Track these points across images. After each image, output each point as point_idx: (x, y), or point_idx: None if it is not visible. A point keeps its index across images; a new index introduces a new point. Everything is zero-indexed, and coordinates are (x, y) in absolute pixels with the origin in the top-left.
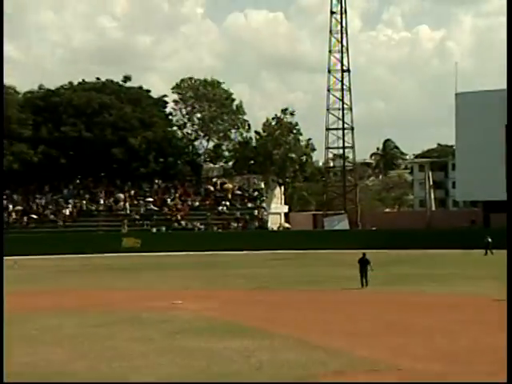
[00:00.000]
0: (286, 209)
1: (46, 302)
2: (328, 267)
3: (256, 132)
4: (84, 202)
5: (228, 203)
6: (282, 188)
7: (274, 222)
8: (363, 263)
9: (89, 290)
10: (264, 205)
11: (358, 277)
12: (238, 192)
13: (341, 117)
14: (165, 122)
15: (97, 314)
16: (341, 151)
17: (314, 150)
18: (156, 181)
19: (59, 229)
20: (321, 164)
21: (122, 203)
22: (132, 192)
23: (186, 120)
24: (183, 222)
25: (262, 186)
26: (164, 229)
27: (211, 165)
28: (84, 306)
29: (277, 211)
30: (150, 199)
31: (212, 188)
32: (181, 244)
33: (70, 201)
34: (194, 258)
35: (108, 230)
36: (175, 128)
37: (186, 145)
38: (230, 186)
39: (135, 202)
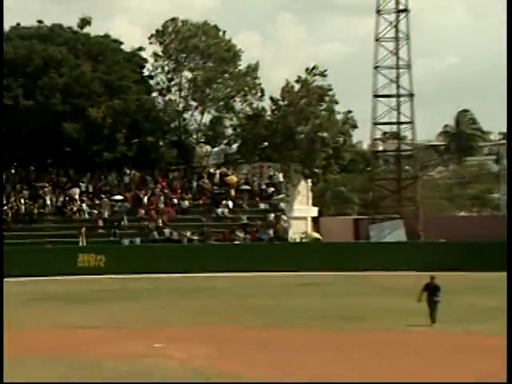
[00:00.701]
0: (314, 212)
1: None
2: (376, 296)
3: (272, 100)
4: (22, 201)
5: (231, 203)
6: (309, 182)
7: (298, 231)
8: (432, 291)
9: (31, 329)
10: (283, 206)
11: (425, 309)
12: (246, 187)
13: (395, 78)
14: (140, 86)
15: (39, 363)
16: (394, 128)
17: (355, 126)
18: (127, 171)
19: None
20: (365, 147)
21: (77, 203)
22: (91, 187)
23: (170, 83)
24: (167, 231)
25: (281, 178)
26: (139, 240)
27: (207, 148)
28: (25, 351)
29: (301, 215)
30: (119, 197)
31: (208, 182)
32: (163, 262)
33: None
34: (181, 282)
35: (57, 242)
36: (155, 95)
37: (170, 118)
38: (235, 178)
39: (97, 202)
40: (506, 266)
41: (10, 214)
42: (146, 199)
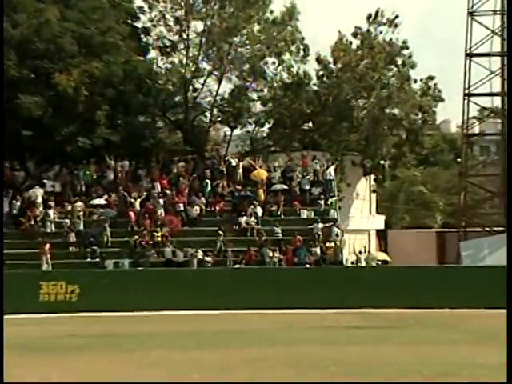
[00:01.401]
0: (380, 222)
1: None
2: (472, 345)
3: (319, 62)
4: None
5: (260, 210)
6: (373, 179)
7: (356, 250)
8: None
9: None
10: (335, 214)
11: None
12: (281, 187)
13: (497, 29)
14: (131, 44)
15: None
16: (497, 102)
17: (439, 99)
18: (111, 163)
19: None
20: (454, 129)
21: (39, 209)
22: (59, 186)
23: (170, 35)
24: (168, 250)
25: (332, 174)
26: (127, 263)
27: (226, 130)
28: None
29: (361, 227)
30: (99, 201)
31: (227, 179)
32: (163, 295)
33: None
34: (191, 324)
35: (11, 266)
36: (152, 55)
37: (174, 89)
38: (264, 173)
39: (68, 208)
40: (507, 268)
41: None
42: (138, 204)
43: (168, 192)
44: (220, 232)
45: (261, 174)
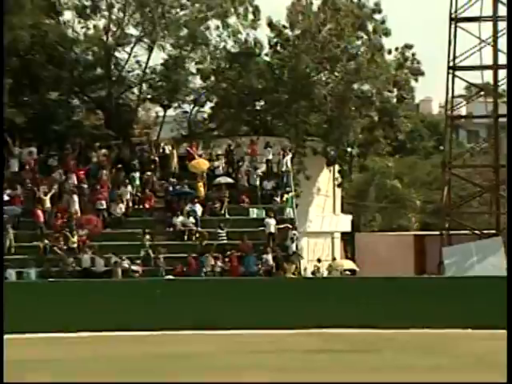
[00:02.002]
0: (346, 223)
1: None
2: (457, 372)
3: (272, 27)
4: None
5: (199, 208)
6: (337, 171)
7: (315, 257)
8: None
9: None
10: (291, 213)
11: None
12: (226, 180)
13: None
14: (40, 3)
15: None
16: (487, 77)
17: (418, 73)
18: (16, 150)
19: None
20: (435, 110)
21: None
22: None
23: None
24: (86, 256)
25: (288, 164)
26: (34, 274)
27: (158, 111)
28: None
29: (323, 229)
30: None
31: (159, 170)
32: (80, 313)
33: None
34: (113, 347)
35: None
36: (68, 17)
37: (94, 60)
38: (205, 163)
39: None
40: (507, 269)
41: None
42: (48, 200)
43: (86, 186)
44: (146, 236)
45: (201, 164)
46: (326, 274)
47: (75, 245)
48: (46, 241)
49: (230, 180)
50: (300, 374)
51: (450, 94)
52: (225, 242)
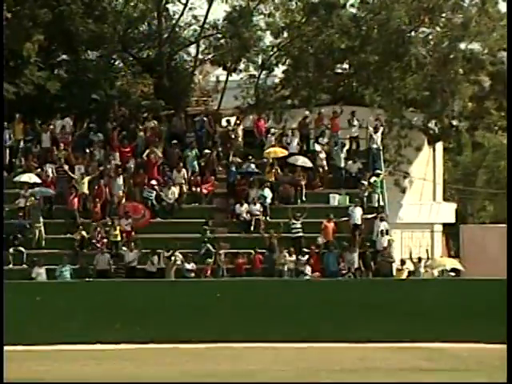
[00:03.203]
0: (449, 213)
1: None
2: None
3: None
4: None
5: (268, 193)
6: (441, 149)
7: (413, 254)
8: None
9: None
10: (381, 201)
11: None
12: (303, 161)
13: None
14: None
15: None
16: None
17: None
18: (51, 122)
19: None
20: None
21: None
22: None
23: None
24: (132, 254)
25: (378, 141)
26: (68, 273)
27: (219, 74)
28: None
29: (421, 220)
30: (29, 177)
31: (218, 147)
32: (124, 320)
33: None
34: (169, 362)
35: None
36: None
37: (139, 11)
38: (283, 151)
39: None
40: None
41: None
42: (86, 183)
43: (132, 166)
44: (205, 226)
45: (278, 152)
46: (424, 275)
47: (118, 238)
48: (83, 232)
49: (308, 162)
50: None
51: None
52: (300, 235)
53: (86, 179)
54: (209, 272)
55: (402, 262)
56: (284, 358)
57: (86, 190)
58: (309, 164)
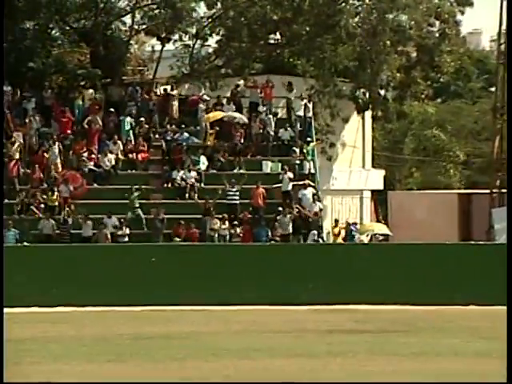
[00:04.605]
0: (377, 180)
1: None
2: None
3: None
4: None
5: (204, 160)
6: (369, 118)
7: (342, 220)
8: None
9: None
10: (312, 168)
11: None
12: (240, 117)
13: None
14: None
15: None
16: None
17: (467, 4)
18: None
19: None
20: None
21: None
22: None
23: None
24: (66, 218)
25: (310, 109)
26: (10, 236)
27: (154, 44)
28: None
29: (351, 187)
30: None
31: (151, 113)
32: (60, 281)
33: None
34: (97, 325)
35: None
36: None
37: None
38: (221, 114)
39: None
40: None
41: None
42: (17, 150)
43: (69, 134)
44: (136, 192)
45: (217, 116)
46: (356, 240)
47: (56, 203)
48: (24, 197)
49: (244, 118)
50: (324, 359)
51: (503, 26)
52: (236, 201)
53: (20, 147)
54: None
55: (336, 223)
56: (217, 320)
57: (17, 156)
58: (245, 119)
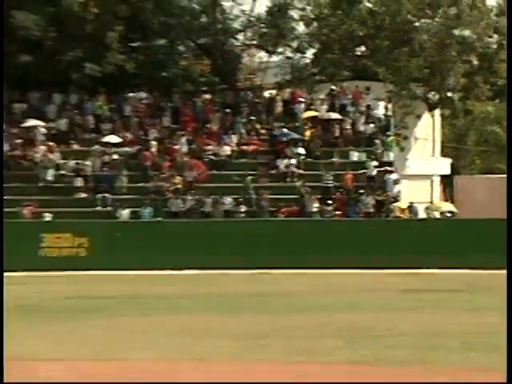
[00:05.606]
0: (445, 166)
1: None
2: None
3: None
4: None
5: (302, 151)
6: (438, 115)
7: (416, 200)
8: None
9: None
10: (392, 156)
11: None
12: (335, 116)
13: None
14: None
15: None
16: None
17: None
18: (130, 94)
19: None
20: None
21: (39, 147)
22: (64, 119)
23: None
24: (192, 198)
25: (389, 108)
26: (148, 212)
27: (262, 56)
28: None
29: (423, 172)
30: (113, 138)
31: (260, 112)
32: (189, 251)
33: None
34: (219, 285)
35: (8, 214)
36: None
37: (199, 8)
38: (313, 112)
39: (74, 147)
40: (507, 262)
41: None
42: (156, 143)
43: (194, 126)
44: (250, 177)
45: (313, 114)
46: (424, 215)
47: (180, 186)
48: (156, 182)
49: (338, 115)
50: (399, 312)
51: None
52: (329, 185)
53: (156, 140)
54: None
55: (410, 205)
56: (319, 281)
57: (156, 147)
58: (336, 117)
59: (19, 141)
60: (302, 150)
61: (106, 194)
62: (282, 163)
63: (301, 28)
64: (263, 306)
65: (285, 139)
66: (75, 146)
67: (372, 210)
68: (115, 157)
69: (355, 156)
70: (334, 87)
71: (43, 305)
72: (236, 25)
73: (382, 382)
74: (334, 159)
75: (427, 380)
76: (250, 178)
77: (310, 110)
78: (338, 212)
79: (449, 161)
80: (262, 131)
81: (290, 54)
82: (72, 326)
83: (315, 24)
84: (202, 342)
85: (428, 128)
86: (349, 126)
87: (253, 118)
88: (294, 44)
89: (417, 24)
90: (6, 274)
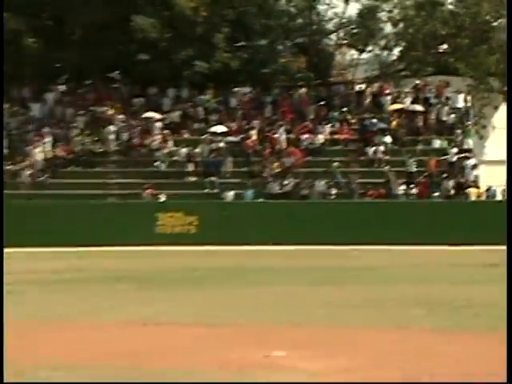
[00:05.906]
0: None
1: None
2: None
3: None
4: (76, 133)
5: (388, 139)
6: None
7: (493, 183)
8: None
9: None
10: (471, 144)
11: None
12: (419, 107)
13: None
14: None
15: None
16: None
17: None
18: (235, 89)
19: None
20: None
21: (155, 136)
22: (177, 111)
23: None
24: (289, 182)
25: (468, 100)
26: (250, 194)
27: (353, 54)
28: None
29: (501, 158)
30: (219, 128)
31: (351, 104)
32: (285, 229)
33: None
34: (317, 260)
35: (125, 196)
36: None
37: (296, 11)
38: (399, 105)
39: (185, 136)
40: (507, 256)
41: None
42: (257, 132)
43: (292, 117)
44: (340, 162)
45: (399, 106)
46: (501, 198)
47: (278, 170)
48: (260, 166)
49: (421, 108)
50: (477, 285)
51: None
52: (413, 170)
53: (257, 129)
54: None
55: (488, 188)
56: (394, 257)
57: (258, 136)
58: (420, 109)
59: (138, 130)
60: (388, 139)
61: (213, 178)
62: (371, 150)
63: (388, 28)
64: (355, 278)
65: (373, 129)
66: (187, 135)
67: (452, 193)
68: (221, 144)
69: (437, 143)
70: (418, 81)
71: (160, 276)
72: (330, 26)
73: None
74: (417, 147)
75: None
76: (336, 164)
77: (396, 102)
78: (420, 194)
79: None
80: (353, 121)
81: (379, 52)
82: (205, 294)
83: (401, 24)
84: (303, 308)
85: (505, 118)
86: (432, 117)
87: (344, 109)
88: (382, 43)
89: (495, 24)
90: (126, 248)
